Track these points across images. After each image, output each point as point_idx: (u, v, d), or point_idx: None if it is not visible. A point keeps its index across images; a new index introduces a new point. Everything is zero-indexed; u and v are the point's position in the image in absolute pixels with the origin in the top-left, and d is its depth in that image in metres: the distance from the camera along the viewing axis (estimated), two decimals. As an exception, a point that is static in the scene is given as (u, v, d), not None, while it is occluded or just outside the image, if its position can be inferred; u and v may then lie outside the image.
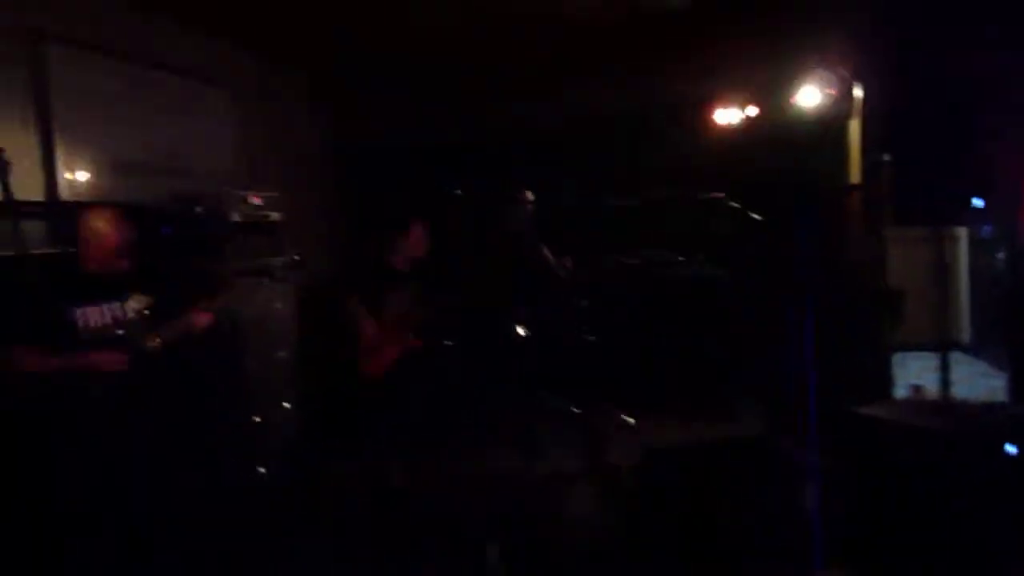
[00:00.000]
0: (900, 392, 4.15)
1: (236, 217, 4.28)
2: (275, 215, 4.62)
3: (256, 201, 4.38)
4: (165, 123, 4.76)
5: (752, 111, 5.47)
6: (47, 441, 2.95)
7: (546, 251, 5.14)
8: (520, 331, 4.87)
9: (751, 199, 5.08)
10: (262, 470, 4.48)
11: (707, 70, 5.62)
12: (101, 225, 3.11)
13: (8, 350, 2.93)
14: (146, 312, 3.20)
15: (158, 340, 3.15)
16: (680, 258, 5.81)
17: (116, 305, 3.15)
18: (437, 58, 5.85)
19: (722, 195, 5.09)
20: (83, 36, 4.14)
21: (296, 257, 3.49)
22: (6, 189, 3.04)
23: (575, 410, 5.31)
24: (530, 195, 5.21)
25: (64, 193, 3.90)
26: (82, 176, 4.07)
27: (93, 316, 3.09)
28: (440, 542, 3.87)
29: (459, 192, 5.90)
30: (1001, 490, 3.04)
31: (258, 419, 4.44)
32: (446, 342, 4.84)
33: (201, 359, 3.51)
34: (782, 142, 5.20)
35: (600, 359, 5.31)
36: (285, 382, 4.81)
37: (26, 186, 3.59)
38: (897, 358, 4.33)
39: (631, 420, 5.38)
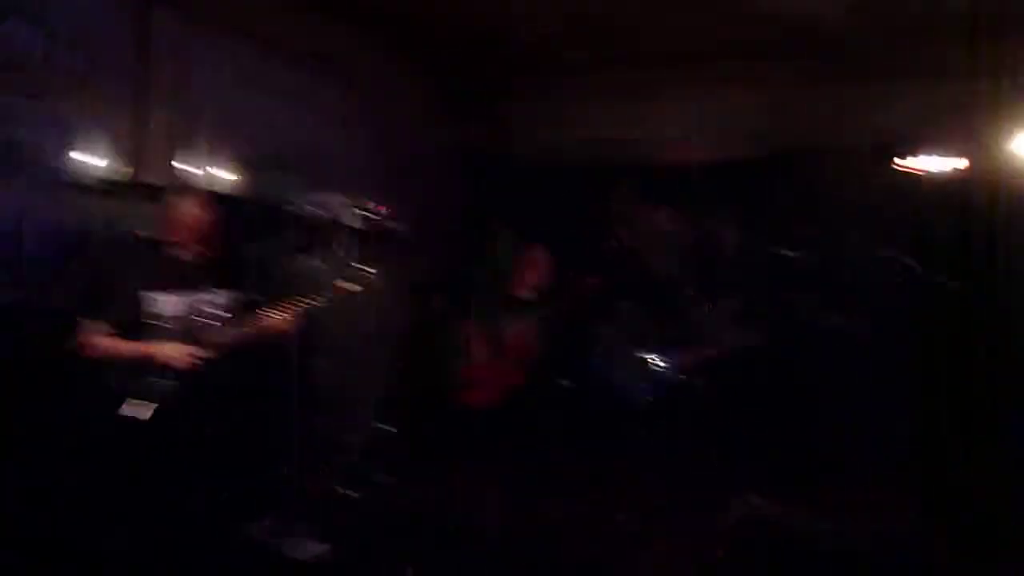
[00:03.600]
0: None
1: (348, 222, 4.08)
2: (391, 225, 4.40)
3: (378, 210, 4.16)
4: (281, 114, 4.66)
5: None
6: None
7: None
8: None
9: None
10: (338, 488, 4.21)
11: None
12: (188, 209, 2.97)
13: (82, 329, 2.81)
14: (224, 307, 3.01)
15: (231, 337, 2.95)
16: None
17: (196, 296, 2.98)
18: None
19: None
20: (197, 16, 4.06)
21: (372, 272, 3.18)
22: (107, 169, 2.98)
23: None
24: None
25: (165, 177, 3.83)
26: (188, 162, 4.00)
27: (171, 305, 2.93)
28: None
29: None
30: None
31: (338, 430, 4.20)
32: (563, 382, 4.39)
33: (275, 362, 3.29)
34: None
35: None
36: (374, 396, 4.56)
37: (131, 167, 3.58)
38: None
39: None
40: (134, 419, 2.75)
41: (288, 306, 3.02)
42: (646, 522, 3.96)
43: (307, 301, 3.05)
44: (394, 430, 4.52)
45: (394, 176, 5.41)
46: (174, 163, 3.77)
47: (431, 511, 4.06)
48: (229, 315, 3.01)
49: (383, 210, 4.06)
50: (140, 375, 2.80)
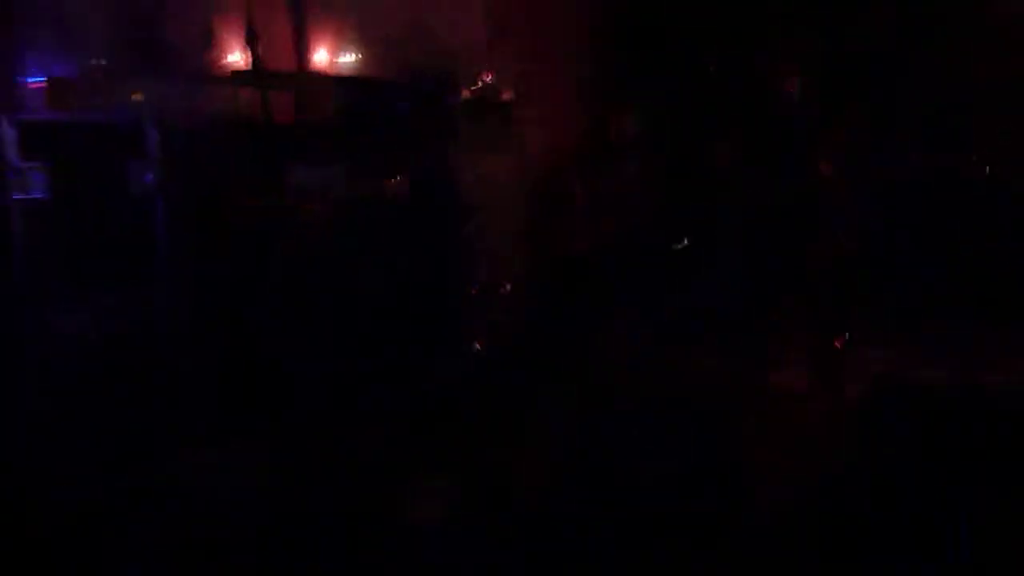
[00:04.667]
0: None
1: (462, 94, 4.31)
2: (507, 94, 4.56)
3: (487, 79, 4.34)
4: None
5: None
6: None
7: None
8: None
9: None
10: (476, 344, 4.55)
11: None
12: (311, 93, 3.38)
13: (235, 190, 3.36)
14: (346, 173, 3.42)
15: (353, 196, 3.37)
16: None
17: (323, 166, 3.42)
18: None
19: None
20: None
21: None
22: (255, 60, 3.42)
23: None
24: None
25: (308, 65, 4.23)
26: (329, 50, 4.36)
27: (301, 173, 3.40)
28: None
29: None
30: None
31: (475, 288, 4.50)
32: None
33: (396, 219, 3.66)
34: None
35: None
36: (508, 253, 4.80)
37: (277, 58, 3.99)
38: None
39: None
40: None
41: (398, 172, 3.38)
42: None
43: (414, 167, 3.38)
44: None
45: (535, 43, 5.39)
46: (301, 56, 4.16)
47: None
48: (349, 179, 3.42)
49: (488, 78, 4.22)
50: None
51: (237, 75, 3.81)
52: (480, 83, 4.49)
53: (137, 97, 3.36)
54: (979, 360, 3.86)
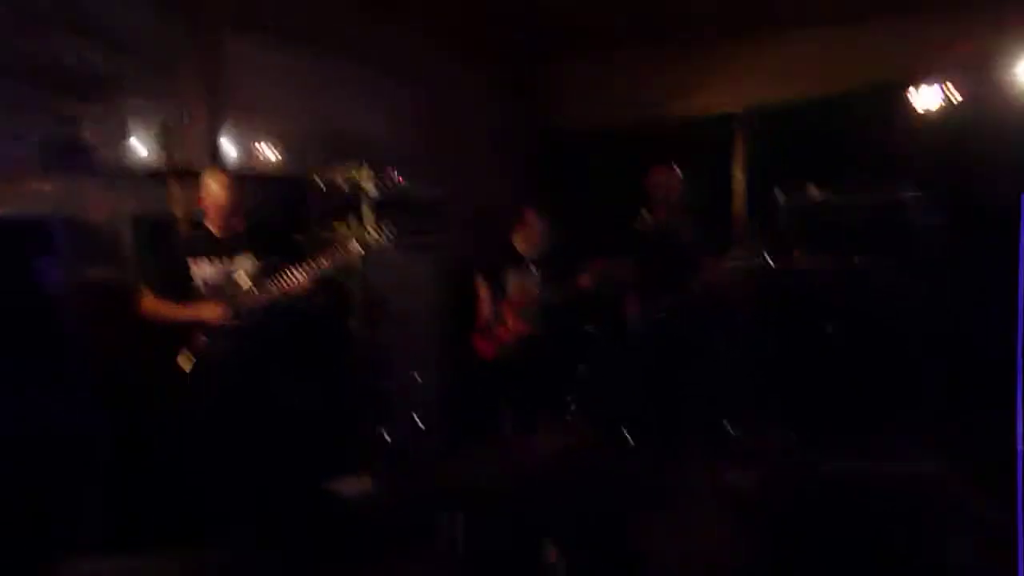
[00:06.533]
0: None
1: (372, 192, 4.47)
2: (424, 193, 4.77)
3: (397, 179, 4.54)
4: (335, 104, 5.05)
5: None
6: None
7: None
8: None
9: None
10: (386, 436, 4.62)
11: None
12: (215, 189, 3.42)
13: (136, 293, 3.34)
14: (254, 271, 3.46)
15: (259, 297, 3.40)
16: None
17: (228, 263, 3.45)
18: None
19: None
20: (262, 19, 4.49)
21: (380, 235, 3.55)
22: (166, 154, 3.47)
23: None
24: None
25: (226, 162, 4.29)
26: (246, 148, 4.46)
27: (207, 272, 3.41)
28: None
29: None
30: None
31: (385, 386, 4.60)
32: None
33: (306, 320, 3.72)
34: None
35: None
36: (420, 353, 4.93)
37: (192, 154, 4.06)
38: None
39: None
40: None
41: (308, 268, 3.43)
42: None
43: (324, 262, 3.45)
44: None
45: (442, 153, 5.70)
46: (209, 150, 4.23)
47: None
48: (256, 278, 3.45)
49: (399, 180, 4.43)
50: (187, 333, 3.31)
51: (149, 171, 3.86)
52: (394, 181, 4.68)
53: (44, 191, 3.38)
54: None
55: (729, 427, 4.55)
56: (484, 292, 4.44)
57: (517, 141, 6.73)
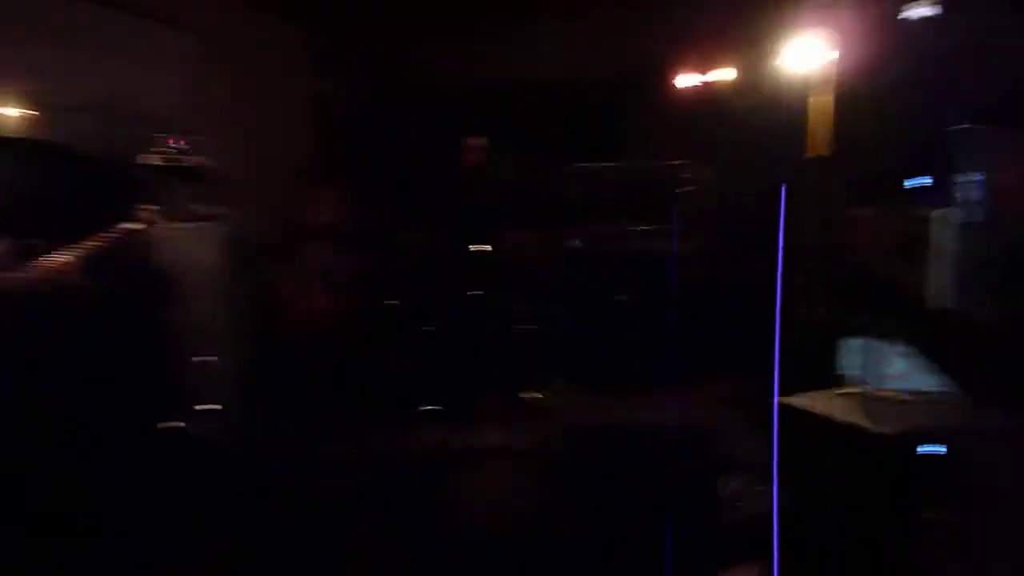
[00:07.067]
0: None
1: (152, 160, 4.09)
2: (201, 160, 4.42)
3: (175, 145, 4.17)
4: (105, 63, 4.55)
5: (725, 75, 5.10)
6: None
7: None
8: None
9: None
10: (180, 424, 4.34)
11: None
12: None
13: None
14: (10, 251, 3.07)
15: (14, 279, 3.02)
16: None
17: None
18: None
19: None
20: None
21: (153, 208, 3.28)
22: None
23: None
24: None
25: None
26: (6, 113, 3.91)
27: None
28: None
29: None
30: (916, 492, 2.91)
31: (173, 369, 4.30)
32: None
33: (71, 301, 3.37)
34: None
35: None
36: (212, 333, 4.65)
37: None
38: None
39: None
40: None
41: (73, 249, 3.09)
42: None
43: (93, 243, 3.12)
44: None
45: (246, 117, 5.28)
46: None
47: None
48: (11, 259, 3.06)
49: (182, 143, 4.07)
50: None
51: None
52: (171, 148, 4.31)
53: None
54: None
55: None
56: (279, 267, 4.24)
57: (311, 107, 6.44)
